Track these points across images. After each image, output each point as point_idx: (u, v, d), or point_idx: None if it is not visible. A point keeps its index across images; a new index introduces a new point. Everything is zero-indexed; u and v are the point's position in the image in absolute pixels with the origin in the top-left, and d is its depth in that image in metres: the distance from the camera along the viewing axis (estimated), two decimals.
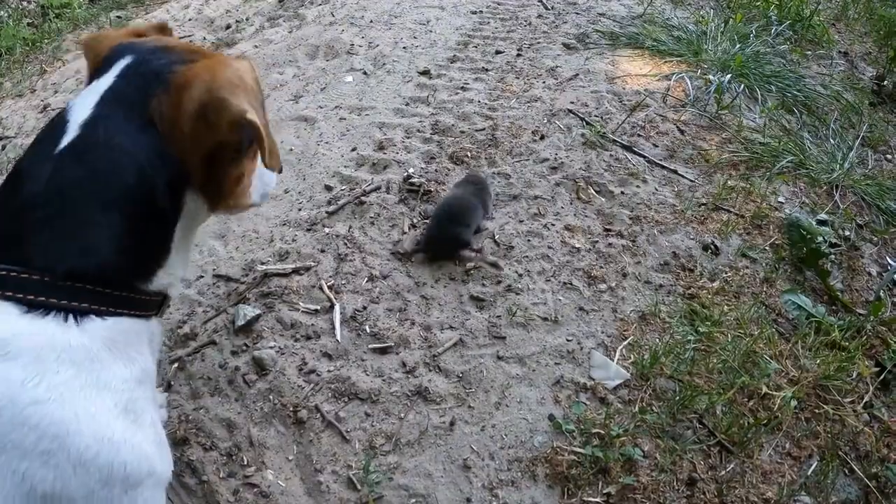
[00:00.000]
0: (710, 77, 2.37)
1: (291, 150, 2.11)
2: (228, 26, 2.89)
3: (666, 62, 2.53)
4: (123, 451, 0.73)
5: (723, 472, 1.33)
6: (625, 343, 1.51)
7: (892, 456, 1.49)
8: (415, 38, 2.71)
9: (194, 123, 0.81)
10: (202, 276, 1.75)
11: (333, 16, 2.88)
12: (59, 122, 0.80)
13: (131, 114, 0.80)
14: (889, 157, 2.49)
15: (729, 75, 2.42)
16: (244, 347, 1.56)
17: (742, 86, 2.36)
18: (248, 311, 1.62)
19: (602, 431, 1.34)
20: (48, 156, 0.77)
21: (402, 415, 1.39)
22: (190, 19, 3.07)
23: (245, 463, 1.35)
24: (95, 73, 0.85)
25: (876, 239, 2.05)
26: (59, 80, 2.97)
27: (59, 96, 2.67)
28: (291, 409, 1.43)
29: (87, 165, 0.77)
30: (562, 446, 1.32)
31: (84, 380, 0.72)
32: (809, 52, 2.91)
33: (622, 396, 1.42)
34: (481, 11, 2.94)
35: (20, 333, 0.70)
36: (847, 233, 2.00)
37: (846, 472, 1.43)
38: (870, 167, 2.32)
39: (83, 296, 0.75)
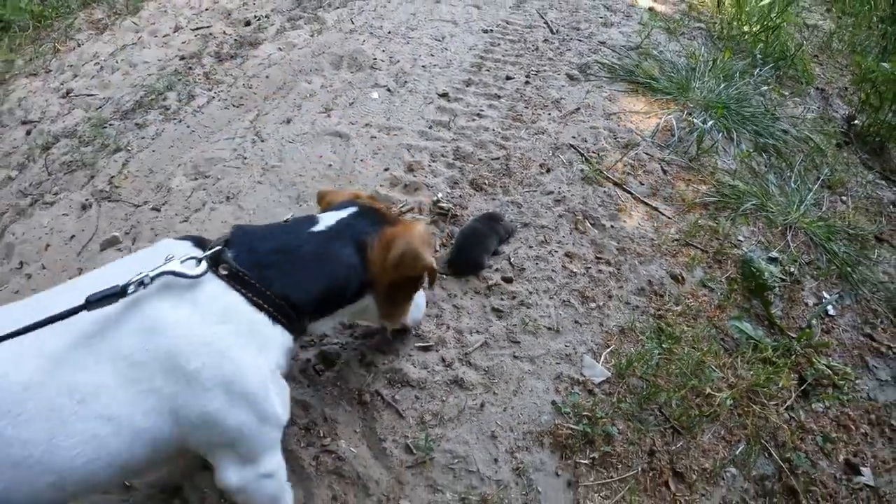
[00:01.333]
0: (694, 119, 3.32)
1: (331, 165, 2.91)
2: (248, 23, 3.59)
3: (657, 100, 3.43)
4: (268, 395, 1.50)
5: (674, 447, 2.25)
6: (608, 350, 2.43)
7: (802, 447, 2.48)
8: (432, 55, 3.52)
9: (393, 265, 1.74)
10: None
11: (353, 23, 3.64)
12: (312, 218, 1.74)
13: (353, 240, 1.71)
14: (844, 198, 3.50)
15: (711, 121, 3.38)
16: (312, 344, 2.40)
17: (721, 132, 3.32)
18: None
19: (590, 414, 2.25)
20: (304, 231, 1.69)
21: (444, 398, 2.25)
22: (206, 9, 3.76)
23: (321, 435, 2.14)
24: (328, 208, 1.83)
25: (817, 275, 3.07)
26: (75, 62, 3.60)
27: (80, 81, 3.33)
28: (356, 393, 2.28)
29: (321, 247, 1.66)
30: (561, 423, 2.23)
31: (263, 352, 1.50)
32: (787, 92, 3.89)
33: (605, 390, 2.34)
34: (492, 31, 3.76)
35: (243, 313, 1.49)
36: (792, 269, 2.99)
37: (766, 455, 2.33)
38: (824, 209, 3.31)
39: (281, 314, 1.56)
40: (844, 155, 3.72)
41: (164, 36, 3.67)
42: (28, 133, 3.28)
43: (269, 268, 1.54)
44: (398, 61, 3.49)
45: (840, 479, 2.34)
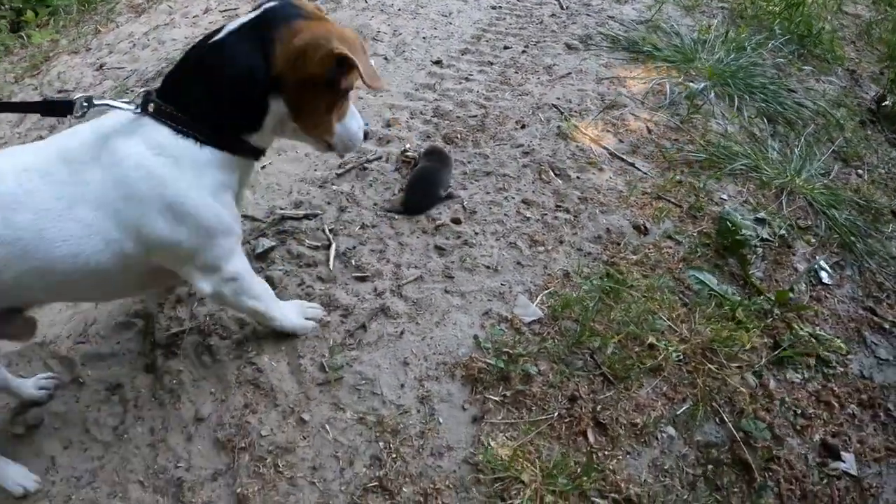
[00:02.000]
0: (691, 84, 2.90)
1: None
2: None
3: (657, 67, 3.06)
4: (209, 212, 1.52)
5: (601, 397, 1.90)
6: (546, 292, 2.11)
7: (766, 417, 2.02)
8: (435, 28, 3.34)
9: (296, 57, 1.45)
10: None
11: (367, 1, 3.56)
12: (217, 30, 1.53)
13: (257, 35, 1.47)
14: (860, 172, 2.93)
15: (707, 83, 2.93)
16: (260, 269, 2.24)
17: (713, 93, 2.87)
18: (265, 243, 2.30)
19: (510, 351, 1.95)
20: (203, 45, 1.51)
21: (368, 324, 2.04)
22: None
23: (248, 350, 2.02)
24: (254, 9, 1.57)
25: (814, 241, 2.54)
26: (112, 41, 3.75)
27: (114, 56, 3.45)
28: None
29: (220, 54, 1.48)
30: (477, 357, 1.93)
31: (196, 174, 1.49)
32: (809, 67, 3.34)
33: (534, 329, 2.02)
34: (500, 7, 3.53)
35: (171, 144, 1.47)
36: (782, 232, 2.50)
37: (716, 420, 1.94)
38: (832, 176, 2.78)
39: (206, 132, 1.49)
40: (868, 133, 3.12)
41: (193, 17, 3.73)
42: None
43: (183, 93, 1.51)
44: (401, 34, 3.33)
45: (812, 461, 1.91)
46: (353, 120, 1.77)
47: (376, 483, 1.71)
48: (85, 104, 1.49)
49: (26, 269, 1.44)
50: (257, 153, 1.65)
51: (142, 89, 1.56)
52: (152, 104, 1.49)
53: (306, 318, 2.03)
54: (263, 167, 2.61)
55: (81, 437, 1.91)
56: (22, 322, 1.75)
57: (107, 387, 2.02)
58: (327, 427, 1.83)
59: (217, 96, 1.49)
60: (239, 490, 1.72)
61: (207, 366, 2.01)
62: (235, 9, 3.71)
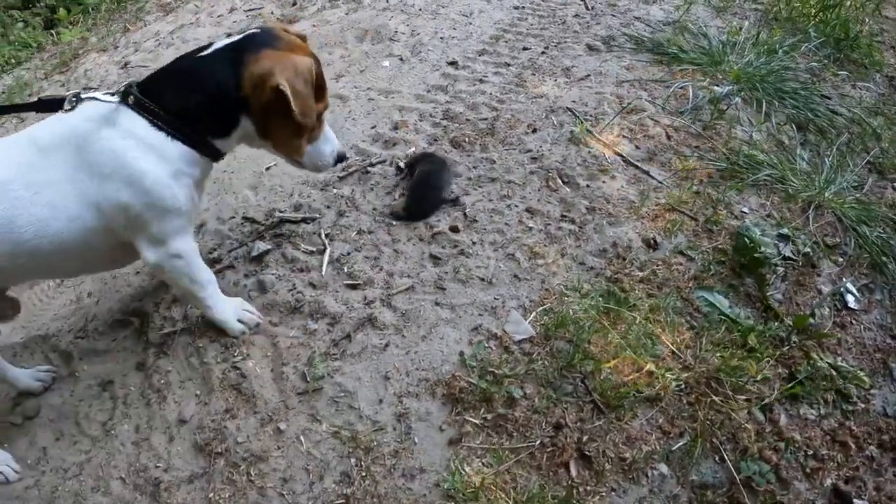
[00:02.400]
0: (716, 88, 2.57)
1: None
2: (294, 2, 3.45)
3: (682, 70, 2.74)
4: (165, 191, 1.57)
5: (589, 426, 1.67)
6: (541, 308, 1.88)
7: (773, 458, 1.73)
8: (454, 28, 3.11)
9: (254, 84, 1.54)
10: (234, 217, 2.31)
11: (388, 1, 3.35)
12: (206, 46, 1.62)
13: (235, 58, 1.55)
14: None
15: (731, 86, 2.60)
16: (254, 272, 2.10)
17: (739, 98, 2.53)
18: (261, 246, 2.15)
19: (496, 371, 1.73)
20: (192, 56, 1.61)
21: (353, 334, 1.87)
22: None
23: (235, 354, 1.89)
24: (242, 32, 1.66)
25: (841, 261, 2.20)
26: (139, 39, 3.67)
27: (138, 55, 3.36)
28: (277, 320, 1.96)
29: (203, 68, 1.57)
30: (461, 375, 1.74)
31: (160, 160, 1.56)
32: (845, 73, 2.94)
33: (524, 349, 1.80)
34: (523, 7, 3.26)
35: (144, 133, 1.54)
36: (807, 250, 2.17)
37: (716, 458, 1.68)
38: (864, 191, 2.42)
39: (178, 130, 1.56)
40: None
41: (218, 16, 3.61)
42: None
43: (164, 93, 1.58)
44: (419, 34, 3.11)
45: None
46: (326, 144, 1.79)
47: (343, 501, 1.56)
48: (73, 100, 1.56)
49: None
50: (218, 155, 1.70)
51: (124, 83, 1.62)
52: (132, 97, 1.56)
53: (240, 321, 1.93)
54: (268, 168, 2.46)
55: (72, 429, 1.85)
56: (7, 302, 1.90)
57: (99, 382, 1.95)
58: (302, 438, 1.69)
59: (195, 103, 1.57)
60: (211, 495, 1.62)
61: (195, 367, 1.91)
62: (260, 8, 3.57)
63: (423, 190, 2.17)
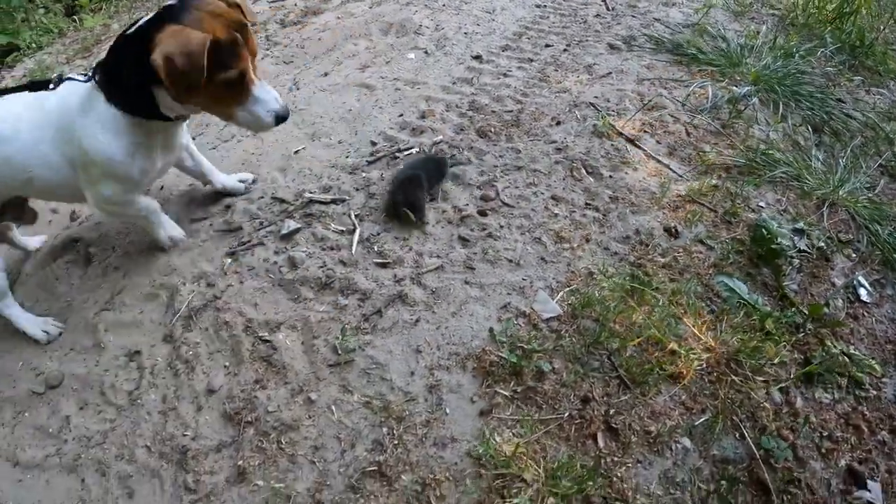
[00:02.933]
0: (734, 88, 2.65)
1: (350, 110, 2.68)
2: None
3: (701, 71, 2.83)
4: (113, 154, 1.81)
5: (615, 400, 1.72)
6: (568, 289, 1.94)
7: (790, 437, 1.80)
8: (478, 24, 3.18)
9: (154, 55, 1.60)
10: (262, 197, 2.35)
11: None
12: (135, 22, 1.73)
13: (147, 34, 1.62)
14: None
15: (749, 87, 2.68)
16: (284, 250, 2.14)
17: (756, 98, 2.62)
18: (291, 224, 2.19)
19: (525, 346, 1.79)
20: (122, 34, 1.72)
21: (384, 310, 1.92)
22: None
23: (265, 324, 1.93)
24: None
25: (854, 256, 2.28)
26: None
27: None
28: (310, 295, 2.01)
29: (123, 45, 1.71)
30: (491, 350, 1.78)
31: (114, 133, 1.78)
32: (860, 78, 3.04)
33: (551, 326, 1.85)
34: (545, 5, 3.34)
35: (101, 108, 1.75)
36: (821, 244, 2.25)
37: (736, 435, 1.73)
38: (877, 191, 2.50)
39: (123, 104, 1.76)
40: None
41: None
42: None
43: (110, 70, 1.76)
44: (443, 29, 3.18)
45: (835, 487, 1.69)
46: (259, 105, 1.81)
47: (375, 468, 1.60)
48: (57, 80, 1.85)
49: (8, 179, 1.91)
50: (171, 118, 1.85)
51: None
52: (95, 79, 1.78)
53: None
54: (297, 152, 2.51)
55: (97, 399, 1.87)
56: (27, 210, 2.23)
57: (126, 353, 1.98)
58: (333, 408, 1.72)
59: (123, 78, 1.73)
60: (241, 462, 1.65)
61: (224, 339, 1.94)
62: (283, 1, 3.64)
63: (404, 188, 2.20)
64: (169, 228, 2.22)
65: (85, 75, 1.82)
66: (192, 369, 1.87)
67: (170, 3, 1.69)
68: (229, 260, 2.15)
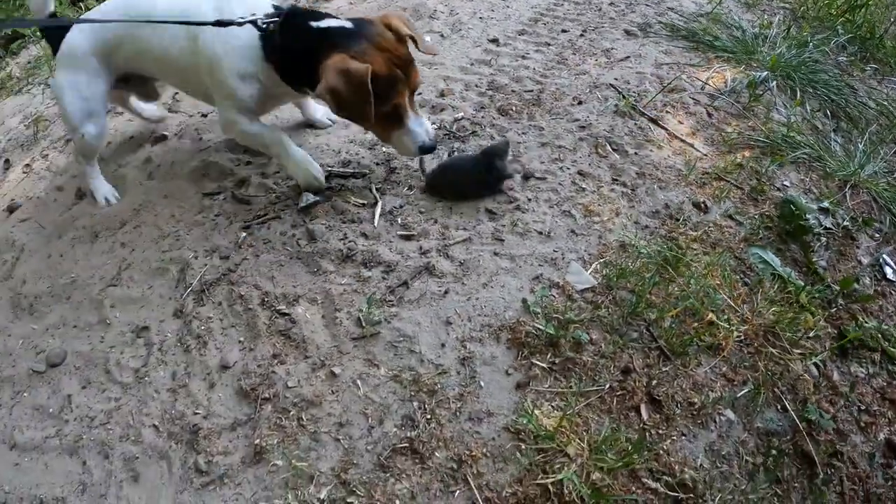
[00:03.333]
0: (753, 73, 2.61)
1: None
2: None
3: (717, 57, 2.79)
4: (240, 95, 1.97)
5: (657, 371, 1.64)
6: (601, 261, 1.85)
7: (830, 409, 1.74)
8: (492, 10, 3.12)
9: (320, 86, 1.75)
10: (278, 172, 2.26)
11: None
12: (324, 16, 1.88)
13: (319, 46, 1.78)
14: None
15: (767, 73, 2.65)
16: (302, 223, 2.03)
17: (774, 84, 2.58)
18: (309, 197, 2.09)
19: (561, 317, 1.69)
20: (306, 23, 1.84)
21: (410, 281, 1.81)
22: None
23: (283, 300, 1.82)
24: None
25: (878, 236, 2.23)
26: None
27: None
28: (331, 267, 1.90)
29: (299, 42, 1.83)
30: (525, 321, 1.68)
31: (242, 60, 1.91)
32: (872, 67, 3.03)
33: (586, 297, 1.76)
34: None
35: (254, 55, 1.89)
36: (846, 224, 2.19)
37: (778, 407, 1.68)
38: (895, 176, 2.47)
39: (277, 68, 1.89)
40: None
41: None
42: None
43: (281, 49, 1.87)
44: (457, 14, 3.12)
45: (876, 461, 1.65)
46: (409, 136, 1.91)
47: (406, 444, 1.48)
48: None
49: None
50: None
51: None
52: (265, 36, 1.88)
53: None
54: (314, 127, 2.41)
55: (101, 377, 1.75)
56: (151, 88, 2.38)
57: (133, 329, 1.85)
58: (359, 383, 1.61)
59: (290, 60, 1.88)
60: (258, 441, 1.52)
61: (238, 313, 1.82)
62: None
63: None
64: (307, 163, 2.12)
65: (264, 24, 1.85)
66: (204, 345, 1.76)
67: (347, 24, 1.81)
68: (244, 233, 2.04)
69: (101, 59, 2.09)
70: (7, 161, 2.92)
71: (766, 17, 3.27)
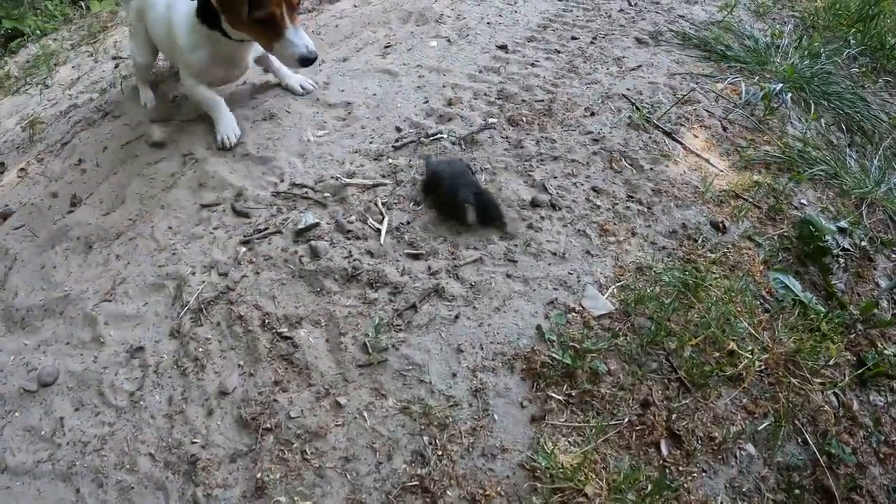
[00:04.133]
0: (766, 85, 2.50)
1: (374, 94, 2.45)
2: None
3: (730, 67, 2.67)
4: (184, 46, 2.30)
5: (676, 404, 1.53)
6: (618, 284, 1.73)
7: (850, 441, 1.64)
8: (500, 15, 2.99)
9: None
10: (281, 182, 2.13)
11: None
12: None
13: None
14: None
15: (782, 85, 2.54)
16: (304, 240, 1.91)
17: (789, 95, 2.47)
18: (308, 218, 1.94)
19: (577, 346, 1.58)
20: None
21: (419, 304, 1.69)
22: None
23: (285, 322, 1.70)
24: None
25: (895, 257, 2.13)
26: None
27: None
28: (335, 287, 1.78)
29: None
30: (540, 350, 1.57)
31: (191, 31, 2.24)
32: (884, 80, 2.92)
33: (603, 324, 1.65)
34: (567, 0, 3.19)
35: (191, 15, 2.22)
36: (864, 244, 2.09)
37: (798, 440, 1.58)
38: None
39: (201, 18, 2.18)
40: None
41: None
42: (116, 66, 3.24)
43: None
44: (465, 18, 2.99)
45: (894, 494, 1.54)
46: (288, 46, 2.05)
47: (417, 482, 1.38)
48: None
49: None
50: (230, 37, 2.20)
51: None
52: None
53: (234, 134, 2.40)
54: (320, 136, 2.28)
55: (95, 399, 1.64)
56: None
57: (127, 349, 1.73)
58: (365, 414, 1.49)
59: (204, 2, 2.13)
60: (259, 475, 1.42)
61: (238, 335, 1.71)
62: None
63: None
64: (227, 127, 2.33)
65: None
66: (202, 368, 1.65)
67: None
68: (244, 248, 1.92)
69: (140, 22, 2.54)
70: (2, 164, 2.80)
71: (777, 26, 3.15)
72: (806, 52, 2.80)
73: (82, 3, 3.85)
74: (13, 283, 2.01)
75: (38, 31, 3.70)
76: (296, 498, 1.38)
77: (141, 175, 2.28)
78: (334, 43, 2.85)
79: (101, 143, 2.53)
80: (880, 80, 2.91)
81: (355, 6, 3.14)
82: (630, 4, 3.17)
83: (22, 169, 2.67)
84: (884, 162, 2.43)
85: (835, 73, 2.79)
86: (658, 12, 3.11)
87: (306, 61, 2.04)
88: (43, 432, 1.58)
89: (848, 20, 3.21)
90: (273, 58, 2.49)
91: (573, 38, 2.81)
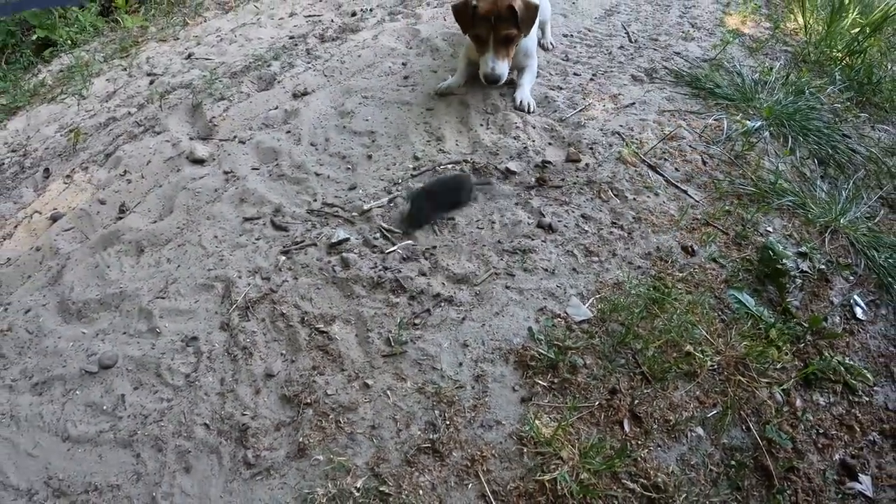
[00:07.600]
0: (748, 122, 3.16)
1: (392, 123, 3.16)
2: (354, 13, 4.00)
3: (717, 104, 3.33)
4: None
5: (639, 392, 2.15)
6: (597, 296, 2.38)
7: (790, 431, 2.25)
8: None
9: None
10: (314, 202, 2.81)
11: (445, 20, 3.93)
12: None
13: None
14: None
15: (761, 122, 3.19)
16: (336, 252, 2.57)
17: (768, 132, 3.13)
18: (340, 233, 2.61)
19: (560, 344, 2.22)
20: None
21: (433, 308, 2.35)
22: (320, 0, 4.24)
23: (320, 318, 2.34)
24: None
25: (852, 278, 2.76)
26: (200, 33, 4.15)
27: (202, 48, 3.86)
28: (363, 293, 2.43)
29: None
30: (530, 346, 2.21)
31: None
32: (865, 115, 3.56)
33: (583, 328, 2.28)
34: (571, 35, 3.86)
35: None
36: (822, 267, 2.72)
37: (743, 427, 2.18)
38: (876, 221, 2.99)
39: None
40: None
41: (279, 19, 4.13)
42: (151, 82, 3.86)
43: None
44: None
45: (830, 478, 2.11)
46: (482, 64, 3.20)
47: (429, 445, 1.96)
48: None
49: None
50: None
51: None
52: None
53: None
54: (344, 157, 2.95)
55: (153, 380, 2.20)
56: None
57: (182, 338, 2.32)
58: (388, 393, 2.10)
59: None
60: (301, 439, 1.99)
61: (280, 329, 2.31)
62: (319, 16, 4.12)
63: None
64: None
65: None
66: (249, 355, 2.24)
67: None
68: (283, 257, 2.57)
69: None
70: (47, 170, 3.40)
71: (768, 61, 3.81)
72: (792, 89, 3.46)
73: (112, 19, 4.51)
74: (68, 280, 2.60)
75: (69, 41, 4.32)
76: (332, 456, 1.97)
77: (186, 188, 2.95)
78: (356, 72, 3.53)
79: (145, 156, 3.19)
80: (862, 115, 3.56)
81: (375, 38, 3.82)
82: (630, 41, 3.85)
83: (67, 176, 3.28)
84: (853, 192, 3.07)
85: (817, 108, 3.43)
86: (655, 49, 3.79)
87: (488, 80, 3.16)
88: (105, 407, 2.12)
89: (837, 55, 3.86)
90: (519, 79, 3.43)
91: (575, 74, 3.50)
